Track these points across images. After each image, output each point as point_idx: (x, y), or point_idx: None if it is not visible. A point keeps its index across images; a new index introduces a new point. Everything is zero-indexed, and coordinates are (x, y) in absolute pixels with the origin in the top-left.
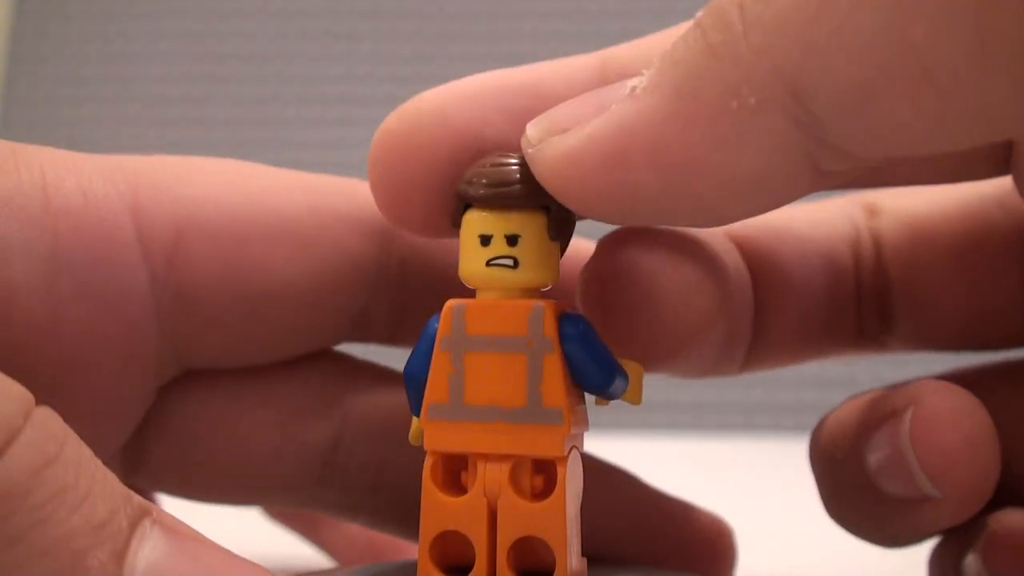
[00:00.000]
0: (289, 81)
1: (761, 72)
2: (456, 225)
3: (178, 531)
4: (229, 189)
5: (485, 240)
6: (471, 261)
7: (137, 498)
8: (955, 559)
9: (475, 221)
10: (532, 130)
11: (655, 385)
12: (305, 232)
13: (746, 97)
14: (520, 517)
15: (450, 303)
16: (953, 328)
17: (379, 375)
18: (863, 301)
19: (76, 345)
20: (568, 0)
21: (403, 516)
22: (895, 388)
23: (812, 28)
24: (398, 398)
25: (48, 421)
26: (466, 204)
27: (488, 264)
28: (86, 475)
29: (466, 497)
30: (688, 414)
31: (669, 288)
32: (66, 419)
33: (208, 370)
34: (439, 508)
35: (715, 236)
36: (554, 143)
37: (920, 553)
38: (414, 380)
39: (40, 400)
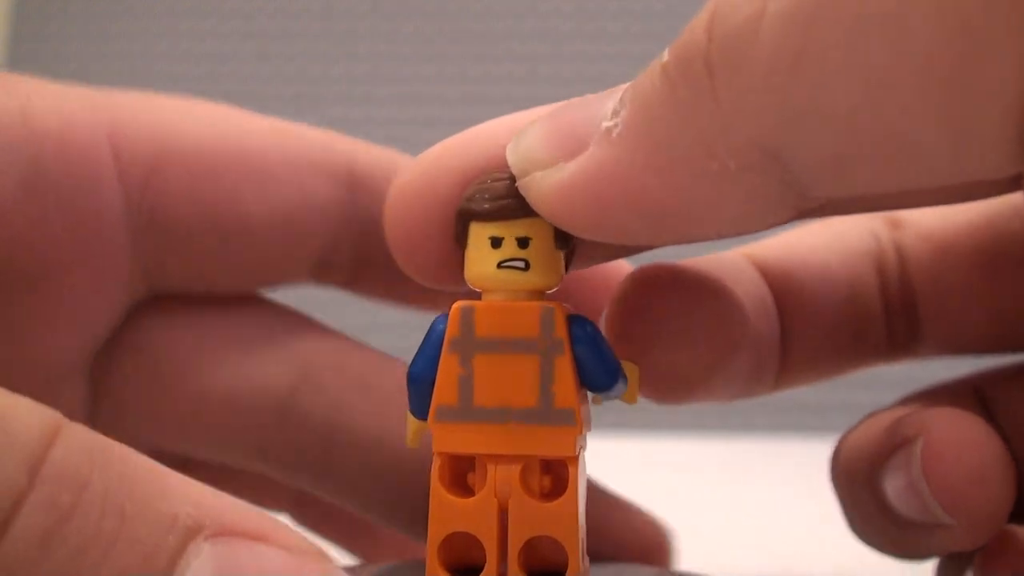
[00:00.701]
0: (290, 81)
1: (737, 138)
2: (460, 242)
3: (235, 535)
4: (205, 125)
5: (496, 242)
6: (481, 263)
7: (188, 515)
8: (958, 571)
9: (484, 229)
10: (512, 159)
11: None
12: (276, 172)
13: (725, 160)
14: (532, 517)
15: (459, 304)
16: (980, 333)
17: (342, 339)
18: (891, 313)
19: (53, 257)
20: (568, 0)
21: (352, 482)
22: (909, 410)
23: (785, 101)
24: (357, 360)
25: (70, 455)
26: (468, 221)
27: (500, 266)
28: (114, 511)
29: (476, 499)
30: (688, 414)
31: (689, 326)
32: (40, 324)
33: (175, 298)
34: (448, 509)
35: (737, 263)
36: (538, 180)
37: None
38: (418, 381)
39: (16, 303)
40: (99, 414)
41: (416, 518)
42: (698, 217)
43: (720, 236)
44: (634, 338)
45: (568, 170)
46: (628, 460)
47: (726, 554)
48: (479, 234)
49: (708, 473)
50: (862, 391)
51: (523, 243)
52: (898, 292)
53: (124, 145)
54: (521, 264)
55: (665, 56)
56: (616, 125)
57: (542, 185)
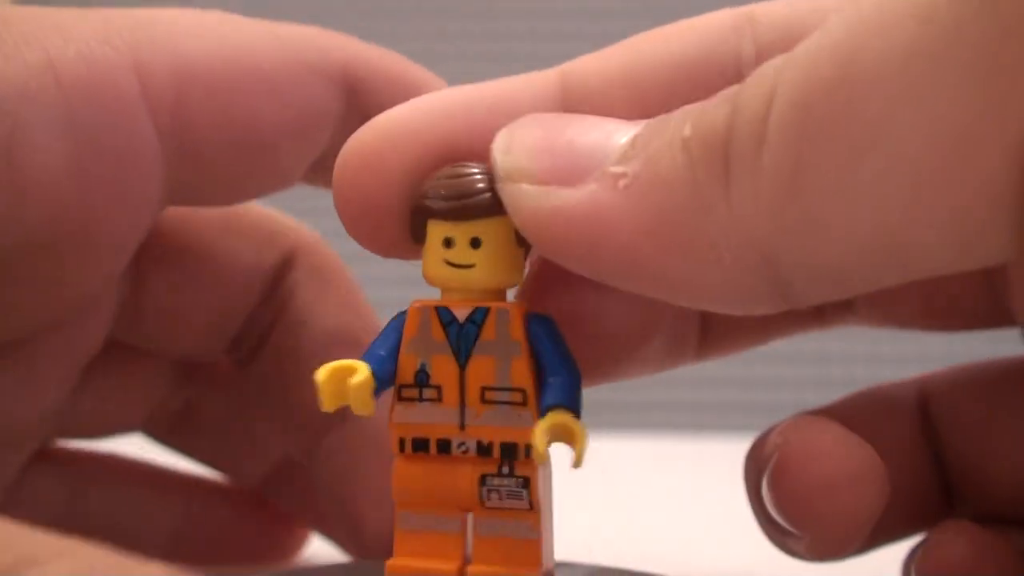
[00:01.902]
0: None
1: (738, 237)
2: (417, 239)
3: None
4: (219, 42)
5: (448, 243)
6: (433, 263)
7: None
8: (907, 570)
9: (439, 227)
10: (500, 160)
11: (656, 386)
12: (283, 84)
13: (722, 252)
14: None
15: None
16: (912, 307)
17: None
18: None
19: (98, 204)
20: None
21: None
22: (793, 419)
23: (786, 213)
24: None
25: None
26: (426, 218)
27: (448, 265)
28: None
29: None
30: (685, 414)
31: (599, 312)
32: (83, 262)
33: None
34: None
35: None
36: (527, 197)
37: None
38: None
39: (69, 252)
40: (129, 314)
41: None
42: (681, 291)
43: (697, 308)
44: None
45: (563, 199)
46: (628, 460)
47: (727, 554)
48: (434, 232)
49: (708, 473)
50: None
51: (475, 244)
52: None
53: (148, 77)
54: (469, 264)
55: (687, 130)
56: (626, 176)
57: (531, 204)
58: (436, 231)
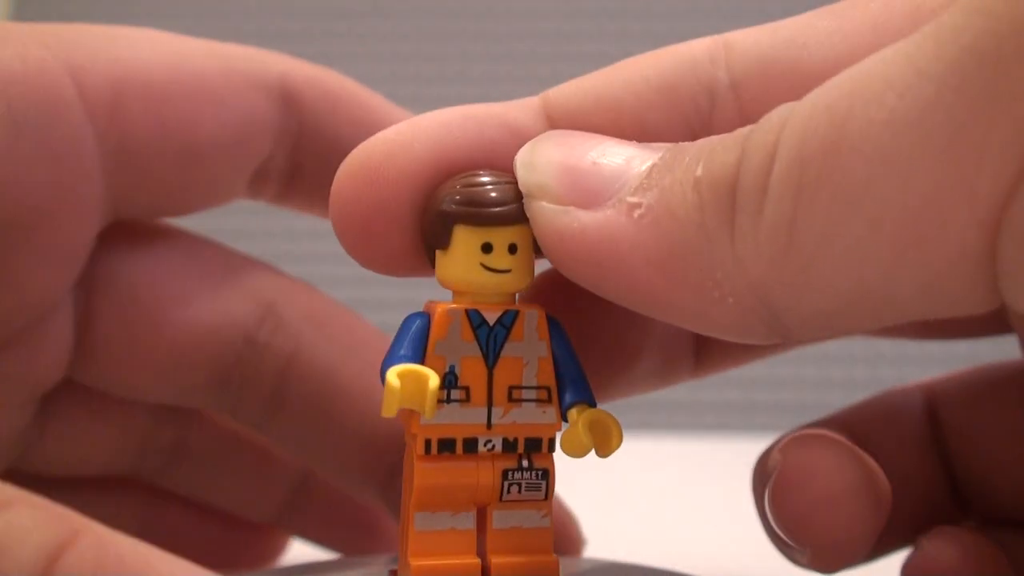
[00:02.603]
0: None
1: (739, 280)
2: (438, 245)
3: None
4: (156, 52)
5: (487, 248)
6: (465, 268)
7: None
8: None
9: (475, 233)
10: (523, 176)
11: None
12: (221, 93)
13: (725, 292)
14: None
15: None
16: (910, 323)
17: (297, 280)
18: None
19: (35, 197)
20: (567, 0)
21: (305, 419)
22: (795, 434)
23: (782, 263)
24: (313, 298)
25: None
26: (454, 223)
27: (486, 270)
28: None
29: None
30: (689, 414)
31: (589, 334)
32: (29, 262)
33: (136, 231)
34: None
35: None
36: (549, 214)
37: None
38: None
39: (8, 251)
40: (82, 348)
41: (365, 458)
42: (684, 319)
43: (698, 332)
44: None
45: (580, 222)
46: (628, 460)
47: (728, 554)
48: (467, 238)
49: (708, 473)
50: (862, 392)
51: (512, 249)
52: None
53: (86, 80)
54: (508, 269)
55: (699, 170)
56: (640, 207)
57: (551, 220)
58: (471, 237)
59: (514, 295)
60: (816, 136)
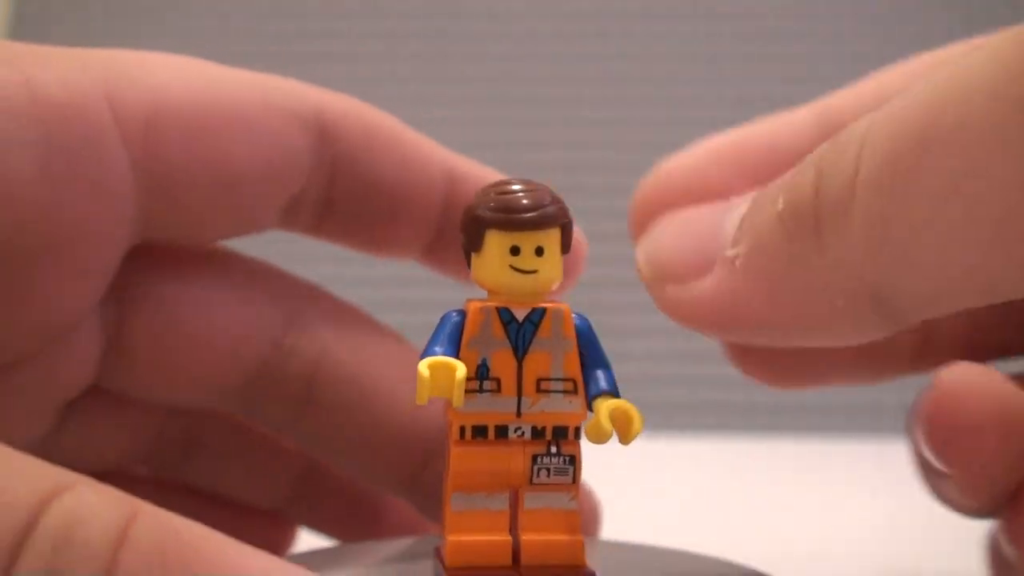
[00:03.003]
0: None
1: (845, 282)
2: (473, 248)
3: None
4: (191, 81)
5: (515, 250)
6: (496, 269)
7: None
8: (994, 537)
9: (505, 237)
10: (646, 265)
11: (656, 385)
12: (256, 123)
13: (833, 299)
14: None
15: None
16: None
17: (317, 287)
18: None
19: (69, 221)
20: (567, 0)
21: (332, 425)
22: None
23: (881, 255)
24: (336, 305)
25: (140, 552)
26: (486, 228)
27: (515, 271)
28: None
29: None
30: (689, 414)
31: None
32: (58, 280)
33: (162, 250)
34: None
35: None
36: (672, 295)
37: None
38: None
39: (35, 265)
40: (112, 358)
41: (389, 457)
42: (811, 339)
43: (827, 346)
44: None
45: (698, 290)
46: (630, 460)
47: (730, 552)
48: (497, 242)
49: (709, 473)
50: (864, 393)
51: (539, 252)
52: None
53: (121, 107)
54: (535, 271)
55: (780, 203)
56: (737, 256)
57: (674, 298)
58: (501, 241)
59: (543, 293)
60: (907, 131)
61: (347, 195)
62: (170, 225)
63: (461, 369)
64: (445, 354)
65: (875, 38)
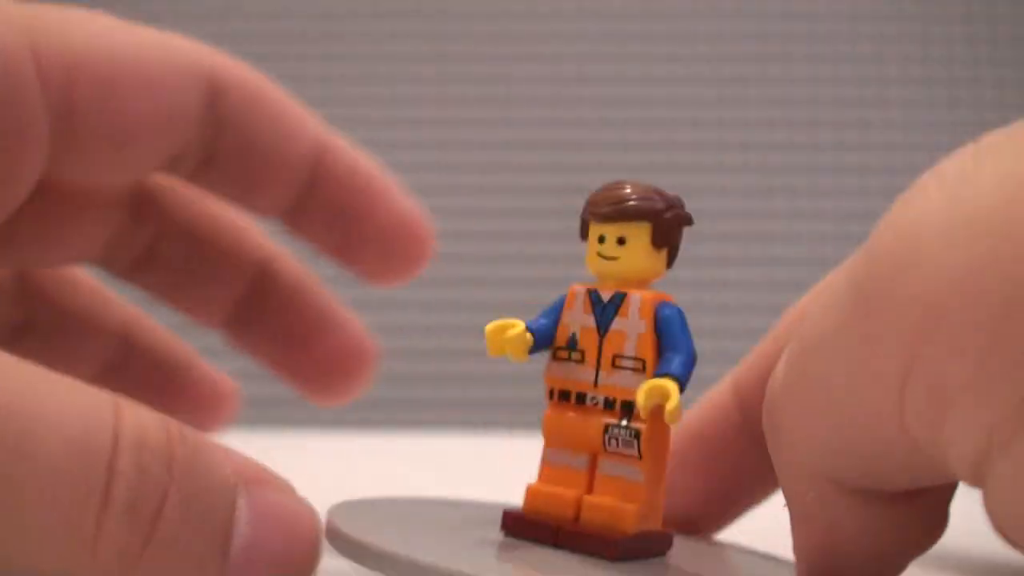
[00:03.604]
0: (293, 82)
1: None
2: (583, 237)
3: (256, 482)
4: (104, 39)
5: (601, 239)
6: (590, 255)
7: (232, 475)
8: None
9: (596, 228)
10: None
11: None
12: (157, 80)
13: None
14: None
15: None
16: None
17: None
18: None
19: None
20: (567, 0)
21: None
22: None
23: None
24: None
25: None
26: (587, 220)
27: (601, 258)
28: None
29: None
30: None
31: None
32: None
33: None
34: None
35: None
36: None
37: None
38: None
39: None
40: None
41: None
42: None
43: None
44: None
45: None
46: None
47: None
48: (593, 231)
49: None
50: None
51: (621, 241)
52: None
53: (43, 61)
54: (615, 258)
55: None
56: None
57: None
58: (593, 230)
59: (639, 281)
60: (790, 361)
61: (226, 151)
62: (72, 167)
63: (517, 327)
64: (540, 324)
65: (875, 38)
